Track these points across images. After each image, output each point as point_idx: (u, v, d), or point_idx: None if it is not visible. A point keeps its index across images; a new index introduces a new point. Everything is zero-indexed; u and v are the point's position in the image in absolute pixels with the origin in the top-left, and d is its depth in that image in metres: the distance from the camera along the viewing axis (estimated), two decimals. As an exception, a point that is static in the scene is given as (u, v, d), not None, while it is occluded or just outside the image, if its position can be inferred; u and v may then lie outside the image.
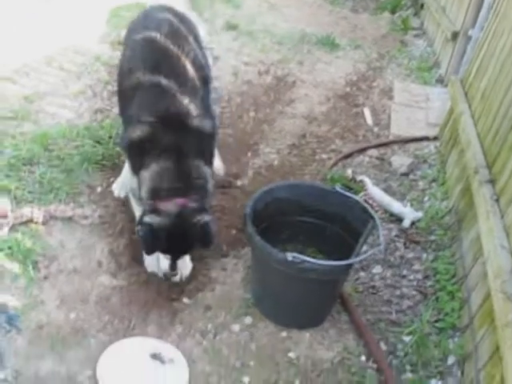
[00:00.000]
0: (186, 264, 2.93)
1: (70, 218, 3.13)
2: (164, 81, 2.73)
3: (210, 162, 2.86)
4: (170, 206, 2.63)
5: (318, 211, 2.92)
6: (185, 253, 2.82)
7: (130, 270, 2.96)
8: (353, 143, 4.55)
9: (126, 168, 3.31)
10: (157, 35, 2.87)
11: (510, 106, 3.06)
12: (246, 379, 2.48)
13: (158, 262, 2.84)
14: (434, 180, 4.11)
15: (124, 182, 3.36)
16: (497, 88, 3.47)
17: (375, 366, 2.57)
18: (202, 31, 3.34)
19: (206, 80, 3.09)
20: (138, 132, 2.74)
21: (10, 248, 2.81)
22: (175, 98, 2.73)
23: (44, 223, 3.04)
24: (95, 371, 2.41)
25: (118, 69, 3.16)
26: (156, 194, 2.68)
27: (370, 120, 5.01)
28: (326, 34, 6.72)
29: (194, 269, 2.98)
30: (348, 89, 5.57)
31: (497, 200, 2.80)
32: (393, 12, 8.32)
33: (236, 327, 2.71)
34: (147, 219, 2.65)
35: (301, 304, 2.65)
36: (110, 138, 3.79)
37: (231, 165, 3.93)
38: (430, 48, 7.04)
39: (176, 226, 2.63)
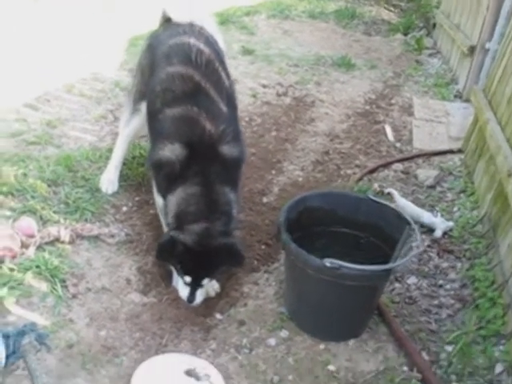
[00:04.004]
0: (211, 283, 2.86)
1: (96, 237, 3.08)
2: (197, 111, 2.73)
3: (236, 188, 2.83)
4: (195, 226, 2.62)
5: (351, 220, 2.84)
6: (206, 276, 2.72)
7: (160, 287, 2.89)
8: (376, 158, 4.50)
9: (110, 164, 3.52)
10: (189, 68, 2.86)
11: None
12: (285, 394, 2.38)
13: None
14: (462, 191, 4.03)
15: (110, 178, 3.47)
16: (524, 92, 3.43)
17: (420, 376, 2.45)
18: (221, 42, 3.33)
19: (233, 105, 3.08)
20: (166, 152, 2.74)
21: (37, 267, 2.75)
22: (206, 127, 2.71)
23: (71, 242, 2.98)
24: (129, 389, 2.33)
25: (144, 85, 3.17)
26: (182, 218, 2.67)
27: (391, 136, 4.97)
28: (340, 55, 6.75)
29: (224, 285, 2.92)
30: (367, 107, 5.55)
31: (535, 200, 2.72)
32: (405, 33, 8.38)
33: (272, 341, 2.61)
34: (171, 232, 2.66)
35: (339, 314, 2.56)
36: (134, 158, 3.78)
37: (256, 183, 3.88)
38: (445, 65, 7.06)
39: (199, 245, 2.60)
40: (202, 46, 2.95)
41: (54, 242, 2.96)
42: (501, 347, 2.61)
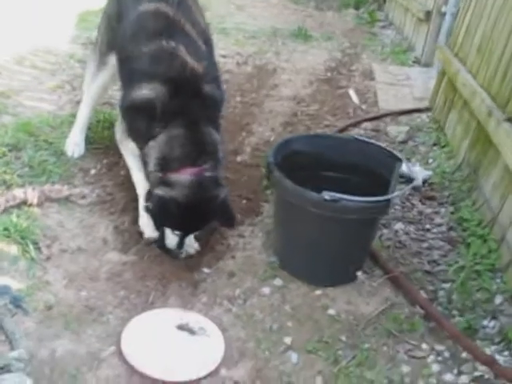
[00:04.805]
0: (190, 242, 2.68)
1: (66, 199, 2.86)
2: (175, 46, 2.53)
3: (219, 131, 2.65)
4: (183, 176, 2.40)
5: (338, 163, 2.72)
6: (199, 229, 2.58)
7: (140, 244, 2.70)
8: (345, 119, 4.43)
9: (75, 127, 3.33)
10: (161, 5, 2.65)
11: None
12: (287, 340, 2.24)
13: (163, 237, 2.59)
14: (434, 144, 4.03)
15: (75, 141, 3.28)
16: (495, 36, 3.43)
17: (422, 311, 2.38)
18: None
19: (211, 48, 2.90)
20: (144, 92, 2.50)
21: (6, 229, 2.52)
22: (187, 61, 2.51)
23: (39, 205, 2.75)
24: (119, 346, 2.14)
25: (112, 31, 2.96)
26: (166, 164, 2.45)
27: (356, 99, 4.93)
28: (296, 27, 6.68)
29: (209, 239, 2.76)
30: (329, 73, 5.51)
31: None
32: (357, 8, 8.41)
33: (266, 290, 2.48)
34: (158, 191, 2.41)
35: (336, 253, 2.44)
36: (98, 122, 3.56)
37: (228, 143, 3.72)
38: (399, 35, 7.12)
39: (191, 198, 2.39)
40: None
41: (21, 205, 2.73)
42: (498, 280, 2.56)
